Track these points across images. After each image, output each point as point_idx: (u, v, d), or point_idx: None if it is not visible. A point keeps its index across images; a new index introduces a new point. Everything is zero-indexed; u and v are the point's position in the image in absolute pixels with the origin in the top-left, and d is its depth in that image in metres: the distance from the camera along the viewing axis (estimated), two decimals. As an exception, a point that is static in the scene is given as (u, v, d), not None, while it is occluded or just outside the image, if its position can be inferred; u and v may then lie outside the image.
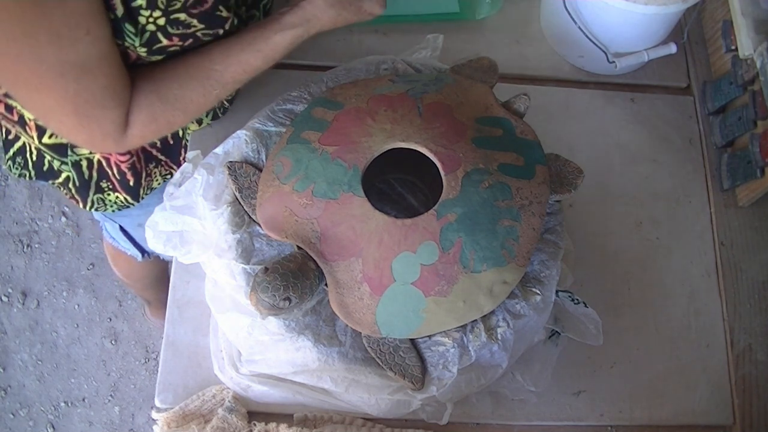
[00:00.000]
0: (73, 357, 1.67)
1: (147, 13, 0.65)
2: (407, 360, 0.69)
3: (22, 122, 0.82)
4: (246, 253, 0.72)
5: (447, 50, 0.91)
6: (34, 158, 0.88)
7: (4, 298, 1.72)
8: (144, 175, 0.89)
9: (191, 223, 0.75)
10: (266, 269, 0.66)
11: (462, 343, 0.69)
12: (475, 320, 0.69)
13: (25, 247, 1.77)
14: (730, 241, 0.95)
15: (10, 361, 1.66)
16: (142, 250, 1.17)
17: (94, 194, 0.90)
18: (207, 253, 0.73)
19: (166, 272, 0.89)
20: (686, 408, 0.87)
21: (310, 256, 0.68)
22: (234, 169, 0.74)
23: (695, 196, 0.98)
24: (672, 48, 0.97)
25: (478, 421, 0.83)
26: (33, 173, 0.89)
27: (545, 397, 0.84)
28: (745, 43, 0.86)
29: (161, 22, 0.67)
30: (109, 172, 0.87)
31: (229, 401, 0.78)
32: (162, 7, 0.65)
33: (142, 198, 0.92)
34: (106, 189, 0.89)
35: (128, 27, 0.65)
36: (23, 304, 1.71)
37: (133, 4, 0.64)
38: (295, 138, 0.73)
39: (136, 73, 0.70)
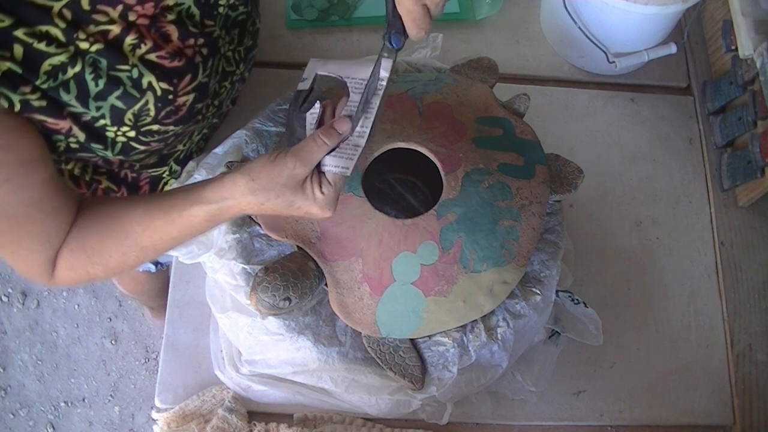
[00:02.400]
0: (73, 357, 1.67)
1: (114, 128, 0.64)
2: (407, 360, 0.69)
3: None
4: (246, 253, 0.72)
5: (447, 50, 0.91)
6: None
7: (4, 298, 1.71)
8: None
9: (191, 223, 0.74)
10: (266, 269, 0.66)
11: (462, 343, 0.69)
12: (475, 320, 0.69)
13: (25, 247, 1.77)
14: (730, 241, 0.95)
15: (10, 361, 1.66)
16: (156, 262, 1.16)
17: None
18: (207, 253, 0.73)
19: (168, 281, 0.87)
20: (686, 408, 0.87)
21: (310, 256, 0.68)
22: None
23: (695, 196, 0.98)
24: (672, 48, 0.97)
25: (478, 421, 0.83)
26: None
27: (545, 397, 0.84)
28: (745, 43, 0.86)
29: (131, 134, 0.65)
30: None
31: (229, 401, 0.78)
32: (130, 123, 0.64)
33: None
34: None
35: (95, 146, 0.64)
36: (23, 304, 1.71)
37: (96, 125, 0.63)
38: (295, 138, 0.73)
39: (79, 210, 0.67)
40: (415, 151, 0.71)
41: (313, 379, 0.73)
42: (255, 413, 0.80)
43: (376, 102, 0.60)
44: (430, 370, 0.71)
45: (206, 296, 0.76)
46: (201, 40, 0.66)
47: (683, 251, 0.95)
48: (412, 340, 0.70)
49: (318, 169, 0.59)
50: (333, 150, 0.59)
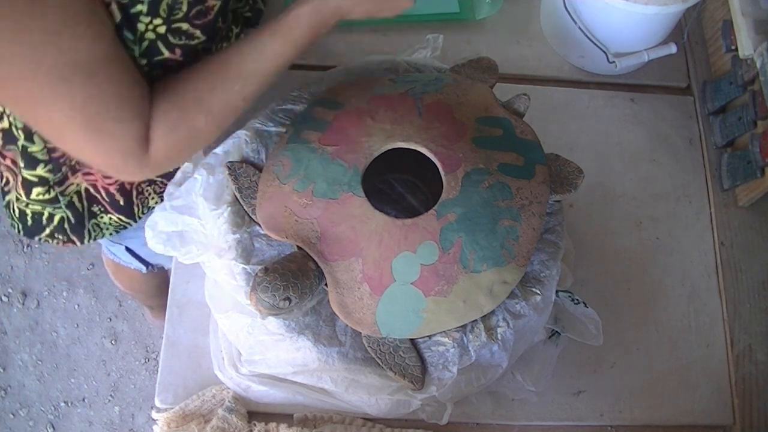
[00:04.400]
0: (73, 357, 1.67)
1: (147, 20, 0.62)
2: (407, 360, 0.69)
3: (13, 173, 0.79)
4: (246, 253, 0.72)
5: (447, 50, 0.91)
6: (17, 215, 0.84)
7: (4, 298, 1.72)
8: (135, 193, 0.87)
9: (191, 223, 0.75)
10: (266, 269, 0.66)
11: (462, 343, 0.69)
12: (475, 320, 0.69)
13: (25, 247, 1.77)
14: (730, 241, 0.95)
15: (10, 361, 1.66)
16: (146, 263, 1.16)
17: (89, 221, 0.87)
18: (207, 253, 0.73)
19: (167, 280, 0.87)
20: (686, 408, 0.87)
21: (310, 256, 0.68)
22: (234, 169, 0.74)
23: (695, 196, 0.98)
24: (672, 48, 0.97)
25: (478, 421, 0.83)
26: (21, 228, 0.85)
27: (545, 397, 0.84)
28: (745, 43, 0.86)
29: (161, 30, 0.64)
30: (98, 197, 0.85)
31: (229, 401, 0.78)
32: (164, 15, 0.62)
33: (140, 217, 0.90)
34: (98, 213, 0.87)
35: (127, 34, 0.62)
36: (23, 304, 1.71)
37: (133, 10, 0.60)
38: (295, 138, 0.73)
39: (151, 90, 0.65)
40: (415, 151, 0.71)
41: (313, 379, 0.73)
42: (255, 413, 0.80)
43: None
44: (430, 370, 0.71)
45: (206, 296, 0.76)
46: None
47: (683, 251, 0.95)
48: (412, 340, 0.70)
49: None
50: None
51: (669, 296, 0.92)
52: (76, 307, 1.72)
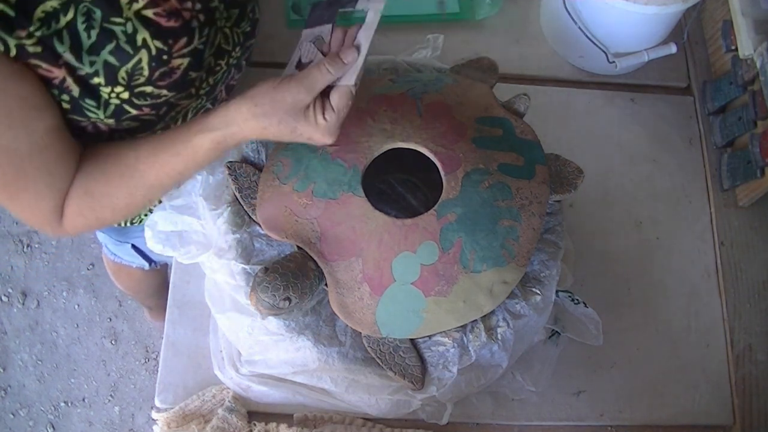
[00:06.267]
0: (73, 357, 1.67)
1: (108, 89, 0.63)
2: (407, 360, 0.69)
3: None
4: (246, 253, 0.72)
5: (447, 50, 0.91)
6: None
7: (4, 298, 1.71)
8: None
9: (191, 223, 0.75)
10: (266, 269, 0.66)
11: (462, 343, 0.69)
12: (475, 320, 0.69)
13: (25, 247, 1.77)
14: (730, 241, 0.95)
15: (10, 361, 1.66)
16: (150, 260, 1.16)
17: None
18: (207, 253, 0.73)
19: (168, 280, 0.87)
20: (686, 408, 0.87)
21: (310, 256, 0.68)
22: (234, 169, 0.74)
23: (695, 196, 0.98)
24: (672, 48, 0.97)
25: (478, 421, 0.83)
26: None
27: (545, 397, 0.84)
28: (745, 43, 0.86)
29: (125, 96, 0.64)
30: None
31: (229, 401, 0.78)
32: (123, 83, 0.63)
33: (145, 215, 0.90)
34: None
35: (89, 102, 0.64)
36: (23, 304, 1.71)
37: (91, 82, 0.62)
38: (295, 138, 0.73)
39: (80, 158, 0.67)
40: (415, 151, 0.71)
41: (313, 379, 0.73)
42: (255, 413, 0.80)
43: (371, 27, 0.62)
44: (430, 370, 0.71)
45: (206, 296, 0.76)
46: (198, 5, 0.65)
47: (683, 251, 0.95)
48: (412, 340, 0.70)
49: (322, 96, 0.61)
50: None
51: (669, 296, 0.92)
52: (76, 307, 1.72)
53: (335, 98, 0.61)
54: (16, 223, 1.79)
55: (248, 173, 0.74)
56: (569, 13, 0.95)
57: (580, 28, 0.95)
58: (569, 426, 0.85)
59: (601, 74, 1.04)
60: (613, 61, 0.95)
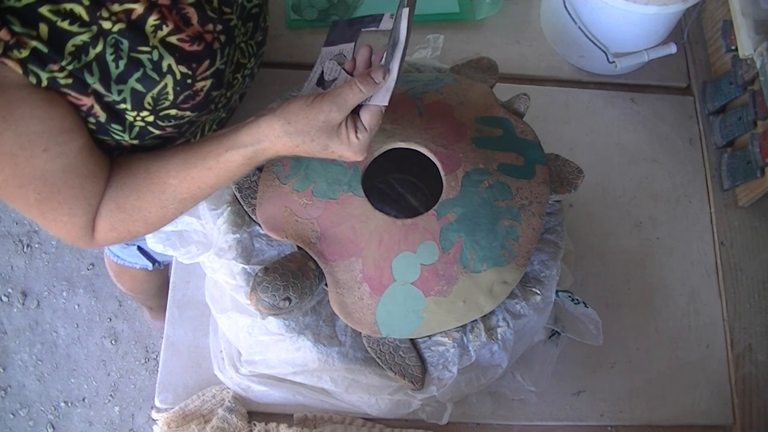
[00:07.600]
0: (73, 357, 1.67)
1: (133, 113, 0.65)
2: (407, 360, 0.69)
3: None
4: (246, 253, 0.72)
5: (447, 50, 0.91)
6: None
7: (4, 298, 1.71)
8: None
9: (191, 223, 0.75)
10: (266, 269, 0.66)
11: (462, 343, 0.69)
12: (475, 320, 0.69)
13: (25, 247, 1.77)
14: (730, 241, 0.95)
15: (10, 361, 1.66)
16: (154, 260, 1.16)
17: None
18: (207, 253, 0.73)
19: (169, 280, 0.87)
20: (686, 408, 0.87)
21: (310, 256, 0.68)
22: (234, 169, 0.74)
23: (695, 196, 0.98)
24: (672, 48, 0.97)
25: (478, 421, 0.83)
26: None
27: (545, 397, 0.84)
28: (745, 43, 0.86)
29: (150, 119, 0.66)
30: None
31: (229, 401, 0.78)
32: (149, 107, 0.65)
33: None
34: None
35: (115, 126, 0.65)
36: (23, 304, 1.71)
37: (117, 108, 0.63)
38: (295, 138, 0.73)
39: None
40: (415, 151, 0.71)
41: (313, 379, 0.73)
42: (255, 413, 0.80)
43: (401, 48, 0.61)
44: (430, 370, 0.71)
45: (206, 296, 0.76)
46: (219, 27, 0.67)
47: (683, 251, 0.95)
48: (412, 340, 0.70)
49: (353, 114, 0.61)
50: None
51: (669, 296, 0.92)
52: (76, 307, 1.72)
53: (366, 117, 0.62)
54: (16, 223, 1.79)
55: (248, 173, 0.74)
56: (569, 13, 0.95)
57: (580, 28, 0.95)
58: (569, 426, 0.85)
59: (601, 74, 1.04)
60: (613, 61, 0.95)
